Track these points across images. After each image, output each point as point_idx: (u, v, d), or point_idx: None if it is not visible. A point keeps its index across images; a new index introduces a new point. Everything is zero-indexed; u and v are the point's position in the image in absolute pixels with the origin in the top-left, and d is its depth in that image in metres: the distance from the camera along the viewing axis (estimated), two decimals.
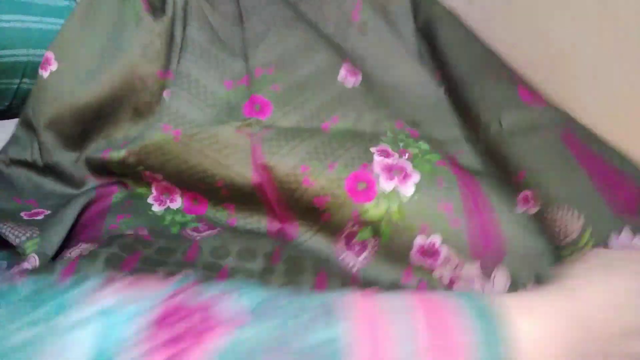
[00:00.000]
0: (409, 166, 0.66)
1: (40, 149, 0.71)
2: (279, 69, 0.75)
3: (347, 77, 0.77)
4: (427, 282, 0.61)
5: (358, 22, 0.84)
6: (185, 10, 0.76)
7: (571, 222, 0.61)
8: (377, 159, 0.66)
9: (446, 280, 0.61)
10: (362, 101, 0.76)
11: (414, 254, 0.62)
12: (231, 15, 0.80)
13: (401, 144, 0.70)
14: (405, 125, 0.74)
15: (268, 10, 0.82)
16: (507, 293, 0.57)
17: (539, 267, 0.60)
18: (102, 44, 0.71)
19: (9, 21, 0.63)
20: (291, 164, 0.66)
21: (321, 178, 0.64)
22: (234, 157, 0.67)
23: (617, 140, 0.72)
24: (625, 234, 0.58)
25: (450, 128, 0.77)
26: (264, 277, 0.56)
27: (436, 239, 0.62)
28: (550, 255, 0.61)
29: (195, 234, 0.65)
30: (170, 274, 0.48)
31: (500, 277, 0.60)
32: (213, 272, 0.57)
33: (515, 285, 0.59)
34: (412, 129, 0.74)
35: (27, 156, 0.71)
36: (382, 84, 0.80)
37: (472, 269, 0.60)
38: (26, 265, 0.55)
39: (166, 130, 0.67)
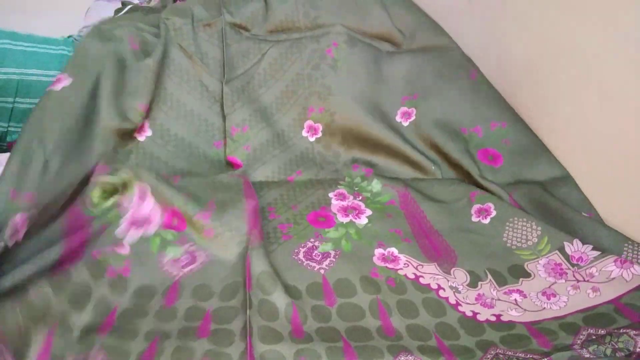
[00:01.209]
0: (361, 205, 0.79)
1: None
2: (252, 127, 0.87)
3: (309, 133, 0.90)
4: (394, 279, 0.67)
5: (332, 58, 0.91)
6: (174, 66, 0.85)
7: (530, 231, 0.71)
8: (334, 202, 0.80)
9: (411, 276, 0.68)
10: (323, 154, 0.88)
11: (376, 260, 0.70)
12: (218, 65, 0.88)
13: (356, 189, 0.83)
14: (361, 167, 0.86)
15: (249, 58, 0.90)
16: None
17: (493, 263, 0.69)
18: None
19: (3, 43, 0.69)
20: (260, 205, 0.76)
21: (285, 214, 0.77)
22: (230, 192, 0.76)
23: (613, 136, 0.73)
24: (576, 243, 0.68)
25: (402, 168, 0.87)
26: (244, 310, 0.60)
27: (394, 250, 0.71)
28: (506, 253, 0.71)
29: (174, 271, 0.66)
30: (150, 335, 0.55)
31: (459, 273, 0.68)
32: (195, 321, 0.59)
33: (475, 279, 0.68)
34: (367, 169, 0.86)
35: None
36: (343, 124, 0.89)
37: (431, 267, 0.69)
38: None
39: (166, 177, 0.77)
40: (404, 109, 0.91)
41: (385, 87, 0.91)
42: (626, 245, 0.67)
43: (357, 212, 0.78)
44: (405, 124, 0.90)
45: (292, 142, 0.88)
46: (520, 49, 0.89)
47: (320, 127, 0.89)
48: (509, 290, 0.66)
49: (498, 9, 0.93)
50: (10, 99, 0.74)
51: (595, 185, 0.78)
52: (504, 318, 0.62)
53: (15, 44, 0.74)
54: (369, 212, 0.78)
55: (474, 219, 0.76)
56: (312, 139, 0.89)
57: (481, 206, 0.77)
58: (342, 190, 0.82)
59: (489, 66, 0.98)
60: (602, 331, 0.57)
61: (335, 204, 0.79)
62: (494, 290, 0.66)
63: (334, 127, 0.89)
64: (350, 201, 0.80)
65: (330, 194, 0.81)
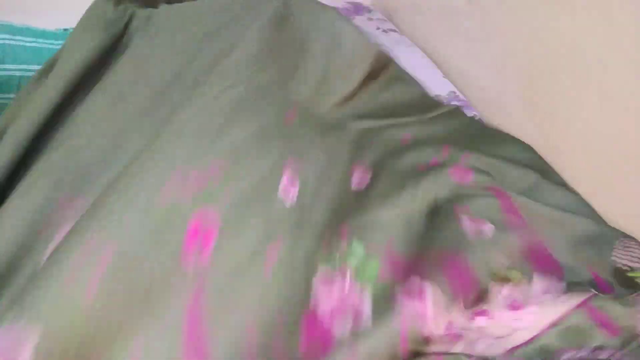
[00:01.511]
0: (356, 296, 0.61)
1: None
2: (227, 173, 0.64)
3: (284, 195, 0.68)
4: None
5: (290, 126, 0.76)
6: None
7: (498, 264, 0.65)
8: (321, 294, 0.61)
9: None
10: (295, 225, 0.67)
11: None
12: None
13: (337, 256, 0.65)
14: (332, 234, 0.69)
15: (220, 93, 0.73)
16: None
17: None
18: None
19: (3, 39, 0.69)
20: (233, 325, 0.54)
21: (268, 332, 0.56)
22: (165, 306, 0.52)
23: (613, 136, 0.73)
24: (548, 279, 0.63)
25: (370, 224, 0.71)
26: None
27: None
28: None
29: None
30: None
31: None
32: None
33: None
34: (340, 232, 0.69)
35: None
36: (313, 196, 0.72)
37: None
38: None
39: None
40: (358, 174, 0.80)
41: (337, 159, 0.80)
42: (620, 240, 0.66)
43: (355, 312, 0.60)
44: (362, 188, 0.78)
45: (265, 202, 0.67)
46: (520, 49, 0.89)
47: (296, 191, 0.70)
48: (474, 313, 0.60)
49: (498, 9, 0.93)
50: (12, 96, 0.73)
51: (596, 185, 0.78)
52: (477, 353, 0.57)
53: (14, 39, 0.73)
54: (368, 305, 0.61)
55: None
56: (287, 205, 0.68)
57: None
58: (324, 270, 0.64)
59: (488, 66, 0.98)
60: (583, 353, 0.55)
61: (323, 297, 0.61)
62: (461, 315, 0.60)
63: (306, 190, 0.72)
64: (339, 286, 0.63)
65: (314, 280, 0.63)
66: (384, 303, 0.60)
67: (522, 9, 0.87)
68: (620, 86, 0.71)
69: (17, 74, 0.73)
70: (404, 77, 0.97)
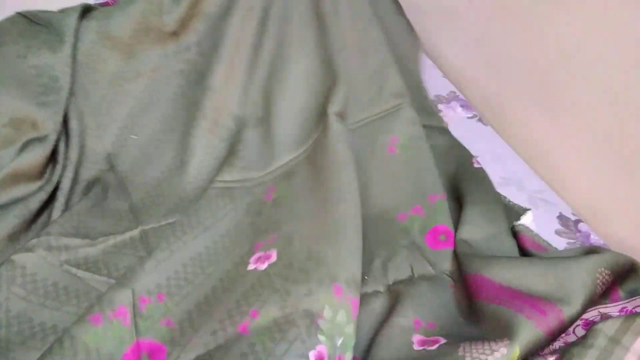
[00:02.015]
0: None
1: None
2: (171, 294, 0.61)
3: (258, 264, 0.65)
4: None
5: (272, 199, 0.75)
6: None
7: None
8: None
9: None
10: (285, 276, 0.61)
11: None
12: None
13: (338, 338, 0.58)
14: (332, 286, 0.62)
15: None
16: None
17: None
18: None
19: None
20: None
21: None
22: None
23: (614, 137, 0.72)
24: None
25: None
26: None
27: None
28: None
29: None
30: None
31: None
32: None
33: None
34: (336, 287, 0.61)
35: None
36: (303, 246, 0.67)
37: None
38: None
39: None
40: None
41: None
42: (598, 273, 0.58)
43: None
44: None
45: (235, 283, 0.63)
46: (521, 48, 0.88)
47: (274, 252, 0.65)
48: None
49: (499, 9, 0.92)
50: None
51: (596, 185, 0.77)
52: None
53: None
54: None
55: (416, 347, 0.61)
56: (263, 267, 0.64)
57: (425, 338, 0.61)
58: (322, 348, 0.53)
59: (489, 66, 0.97)
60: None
61: None
62: None
63: (293, 250, 0.65)
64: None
65: (310, 355, 0.53)
66: None
67: (523, 8, 0.86)
68: (620, 86, 0.71)
69: None
70: None
